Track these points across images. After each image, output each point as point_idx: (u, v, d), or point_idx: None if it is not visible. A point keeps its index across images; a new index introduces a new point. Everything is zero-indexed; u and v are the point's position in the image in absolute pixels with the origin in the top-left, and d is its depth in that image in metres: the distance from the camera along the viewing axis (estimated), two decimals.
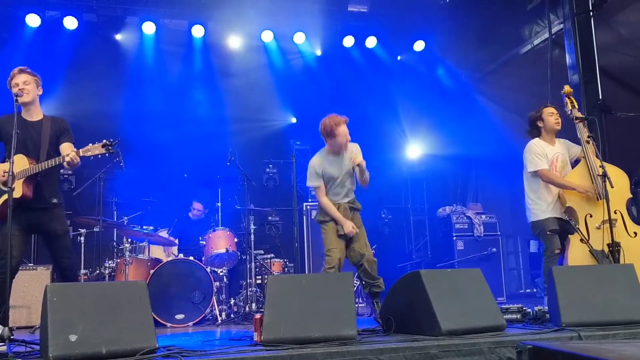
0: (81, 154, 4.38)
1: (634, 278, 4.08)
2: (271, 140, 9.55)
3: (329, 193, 5.22)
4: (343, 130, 5.05)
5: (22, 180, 4.25)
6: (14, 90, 4.37)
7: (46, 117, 4.56)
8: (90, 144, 4.42)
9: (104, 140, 4.40)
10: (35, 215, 4.33)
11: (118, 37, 8.72)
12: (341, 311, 3.61)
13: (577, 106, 5.41)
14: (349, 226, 5.04)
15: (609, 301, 3.91)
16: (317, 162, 5.19)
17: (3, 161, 4.43)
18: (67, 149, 4.38)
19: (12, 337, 3.66)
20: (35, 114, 4.51)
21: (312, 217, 8.13)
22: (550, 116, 5.30)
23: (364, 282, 5.23)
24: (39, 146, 4.42)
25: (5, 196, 4.20)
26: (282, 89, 9.40)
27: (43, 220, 4.40)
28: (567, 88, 5.51)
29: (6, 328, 3.67)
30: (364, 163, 5.10)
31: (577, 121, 5.26)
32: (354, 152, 5.20)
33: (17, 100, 4.24)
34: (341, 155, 5.19)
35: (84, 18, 8.31)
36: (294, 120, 9.82)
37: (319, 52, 9.50)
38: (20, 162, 4.28)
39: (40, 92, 4.54)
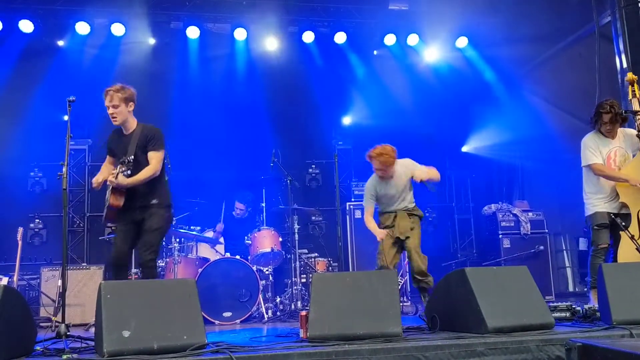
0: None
1: None
2: (313, 141, 9.56)
3: (388, 206, 5.64)
4: (375, 165, 5.42)
5: (109, 190, 4.62)
6: (108, 111, 4.68)
7: (139, 125, 4.81)
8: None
9: None
10: (136, 213, 4.71)
11: (163, 41, 8.90)
12: (386, 308, 3.63)
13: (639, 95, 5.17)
14: (379, 234, 5.55)
15: None
16: (371, 185, 5.62)
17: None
18: (151, 158, 4.69)
19: (68, 333, 3.81)
20: (130, 127, 4.78)
21: (356, 217, 8.18)
22: (605, 124, 5.11)
23: (413, 277, 5.47)
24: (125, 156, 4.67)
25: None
26: (323, 88, 9.41)
27: (143, 217, 4.73)
28: (630, 75, 5.26)
29: (63, 325, 3.83)
30: (426, 176, 5.34)
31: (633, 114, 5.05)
32: (410, 170, 5.47)
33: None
34: (391, 179, 5.52)
35: (130, 24, 8.54)
36: (338, 120, 9.82)
37: (359, 51, 9.48)
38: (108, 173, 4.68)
39: (132, 108, 4.76)
